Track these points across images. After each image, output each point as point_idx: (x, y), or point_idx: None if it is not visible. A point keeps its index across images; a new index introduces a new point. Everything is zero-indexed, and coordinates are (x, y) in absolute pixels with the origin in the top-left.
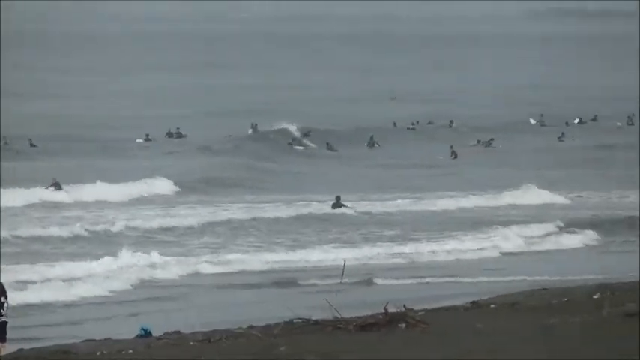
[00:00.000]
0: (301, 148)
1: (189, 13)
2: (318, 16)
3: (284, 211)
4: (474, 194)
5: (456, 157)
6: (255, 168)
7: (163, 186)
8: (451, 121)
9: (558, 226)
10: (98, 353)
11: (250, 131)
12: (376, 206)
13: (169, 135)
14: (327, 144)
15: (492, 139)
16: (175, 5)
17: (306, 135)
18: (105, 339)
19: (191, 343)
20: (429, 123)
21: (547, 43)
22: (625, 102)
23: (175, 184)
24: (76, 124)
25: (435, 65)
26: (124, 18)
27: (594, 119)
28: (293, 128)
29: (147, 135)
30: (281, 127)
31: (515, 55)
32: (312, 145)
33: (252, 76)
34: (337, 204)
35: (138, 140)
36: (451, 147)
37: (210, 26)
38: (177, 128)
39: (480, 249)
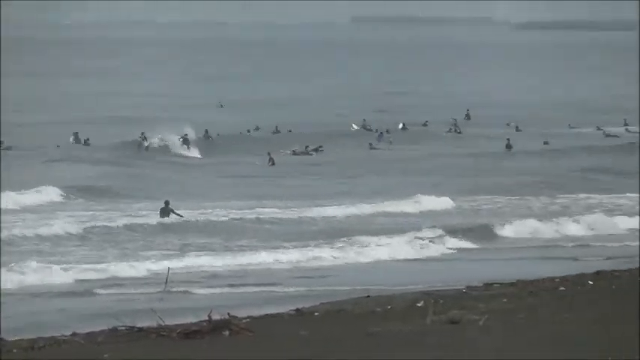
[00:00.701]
0: (185, 155)
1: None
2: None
3: (119, 220)
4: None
5: (273, 164)
6: (123, 175)
7: (50, 193)
8: (276, 127)
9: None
10: None
11: (140, 139)
12: (216, 214)
13: (76, 141)
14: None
15: (321, 147)
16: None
17: (185, 141)
18: None
19: (14, 350)
20: (256, 129)
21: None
22: (487, 109)
23: (62, 190)
24: None
25: (276, 73)
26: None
27: (425, 124)
28: (175, 138)
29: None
30: (163, 136)
31: (359, 61)
32: (191, 155)
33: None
34: (166, 209)
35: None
36: (269, 154)
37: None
38: (77, 133)
39: (316, 258)
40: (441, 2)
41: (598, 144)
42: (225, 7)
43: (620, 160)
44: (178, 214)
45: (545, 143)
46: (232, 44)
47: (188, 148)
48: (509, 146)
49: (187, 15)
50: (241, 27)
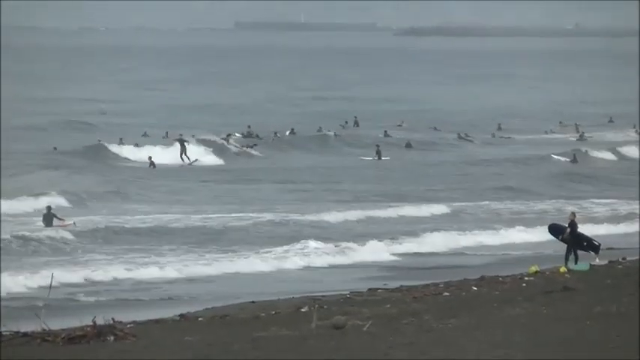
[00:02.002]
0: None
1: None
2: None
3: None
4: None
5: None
6: None
7: None
8: (181, 135)
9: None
10: None
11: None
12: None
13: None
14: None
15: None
16: None
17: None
18: None
19: None
20: (143, 135)
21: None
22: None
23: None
24: None
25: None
26: None
27: (292, 132)
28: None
29: None
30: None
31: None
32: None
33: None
34: (48, 215)
35: None
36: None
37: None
38: None
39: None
40: (326, 8)
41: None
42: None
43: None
44: (61, 219)
45: (408, 145)
46: (118, 51)
47: None
48: (379, 152)
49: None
50: (121, 32)
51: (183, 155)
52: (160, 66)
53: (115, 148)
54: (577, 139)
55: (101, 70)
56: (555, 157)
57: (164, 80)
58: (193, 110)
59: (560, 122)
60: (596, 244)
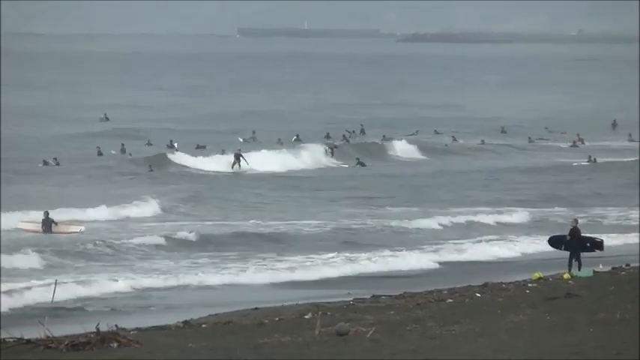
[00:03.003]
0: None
1: None
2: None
3: None
4: None
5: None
6: None
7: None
8: (123, 145)
9: None
10: None
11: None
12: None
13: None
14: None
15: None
16: None
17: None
18: None
19: None
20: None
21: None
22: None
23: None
24: None
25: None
26: None
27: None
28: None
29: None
30: None
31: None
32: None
33: None
34: (47, 220)
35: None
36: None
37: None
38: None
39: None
40: (329, 15)
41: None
42: (110, 19)
43: None
44: (55, 223)
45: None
46: (122, 57)
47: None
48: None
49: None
50: (126, 38)
51: (236, 165)
52: (186, 73)
53: (183, 157)
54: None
55: (133, 77)
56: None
57: (201, 87)
58: (241, 116)
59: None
60: (599, 240)
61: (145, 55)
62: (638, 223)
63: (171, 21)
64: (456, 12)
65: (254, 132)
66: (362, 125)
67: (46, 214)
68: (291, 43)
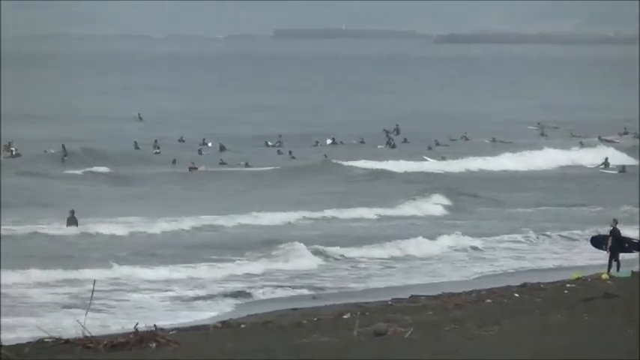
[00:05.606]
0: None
1: None
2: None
3: None
4: None
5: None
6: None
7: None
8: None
9: None
10: None
11: None
12: None
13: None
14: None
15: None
16: None
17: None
18: None
19: None
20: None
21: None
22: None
23: None
24: None
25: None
26: None
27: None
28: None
29: None
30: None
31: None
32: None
33: None
34: (72, 218)
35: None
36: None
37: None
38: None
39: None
40: (366, 15)
41: None
42: (147, 21)
43: None
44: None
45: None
46: (158, 58)
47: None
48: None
49: (113, 28)
50: (165, 40)
51: None
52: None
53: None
54: None
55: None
56: None
57: (246, 87)
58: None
59: None
60: (636, 241)
61: (177, 57)
62: None
63: (208, 25)
64: (490, 13)
65: (280, 135)
66: (397, 125)
67: (72, 212)
68: (323, 44)
